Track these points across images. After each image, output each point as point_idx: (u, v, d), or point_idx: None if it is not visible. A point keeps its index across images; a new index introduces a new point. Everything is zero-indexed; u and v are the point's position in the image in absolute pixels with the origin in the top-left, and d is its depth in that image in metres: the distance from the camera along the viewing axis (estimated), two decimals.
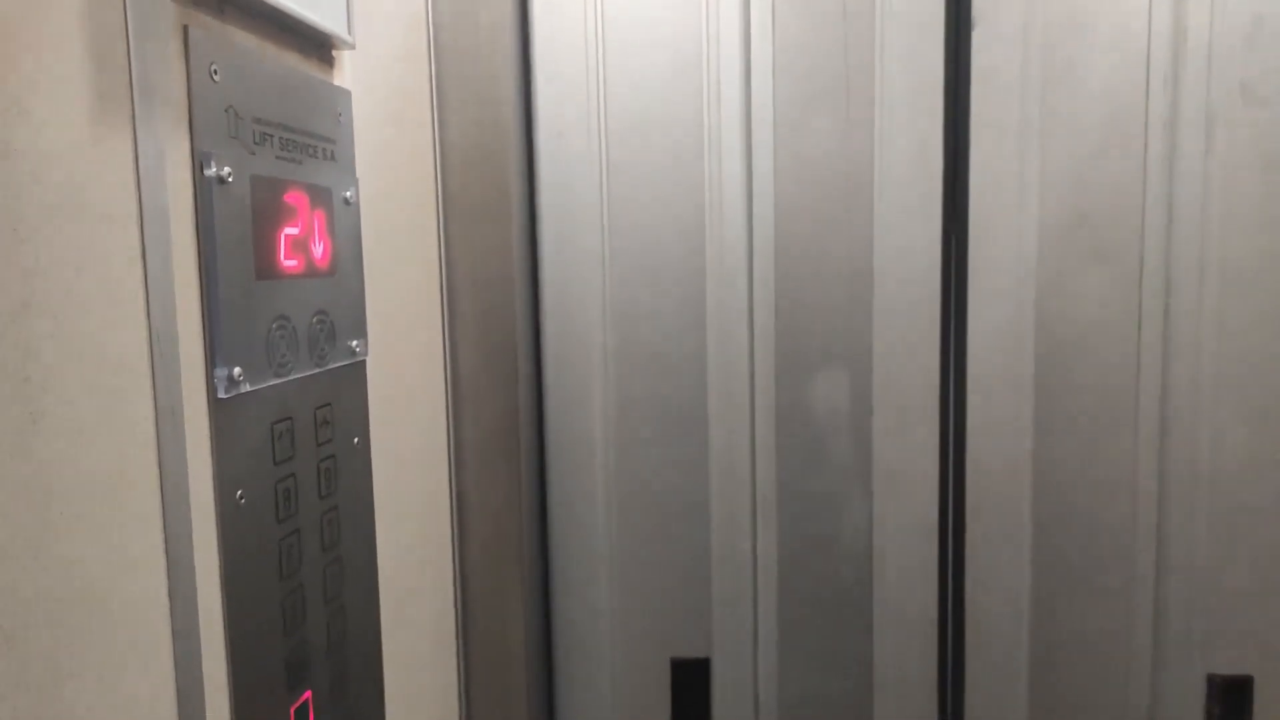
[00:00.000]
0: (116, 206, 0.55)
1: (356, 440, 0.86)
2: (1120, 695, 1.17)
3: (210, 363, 0.65)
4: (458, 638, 1.13)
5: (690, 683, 1.22)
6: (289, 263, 0.74)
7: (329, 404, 0.81)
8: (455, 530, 1.12)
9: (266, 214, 0.70)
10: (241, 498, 0.68)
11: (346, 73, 0.86)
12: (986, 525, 1.16)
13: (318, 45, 0.80)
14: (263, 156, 0.71)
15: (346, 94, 0.85)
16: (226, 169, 0.65)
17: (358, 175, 0.86)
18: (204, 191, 0.63)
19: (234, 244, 0.66)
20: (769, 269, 1.16)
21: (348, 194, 0.84)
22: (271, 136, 0.72)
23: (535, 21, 1.15)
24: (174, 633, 0.61)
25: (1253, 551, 1.13)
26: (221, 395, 0.65)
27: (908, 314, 1.14)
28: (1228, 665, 1.16)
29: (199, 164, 0.63)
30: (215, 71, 0.65)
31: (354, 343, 0.85)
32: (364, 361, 0.88)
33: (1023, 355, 1.13)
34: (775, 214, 1.15)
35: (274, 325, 0.72)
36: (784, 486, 1.19)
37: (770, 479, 1.19)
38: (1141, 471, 1.13)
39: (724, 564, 1.21)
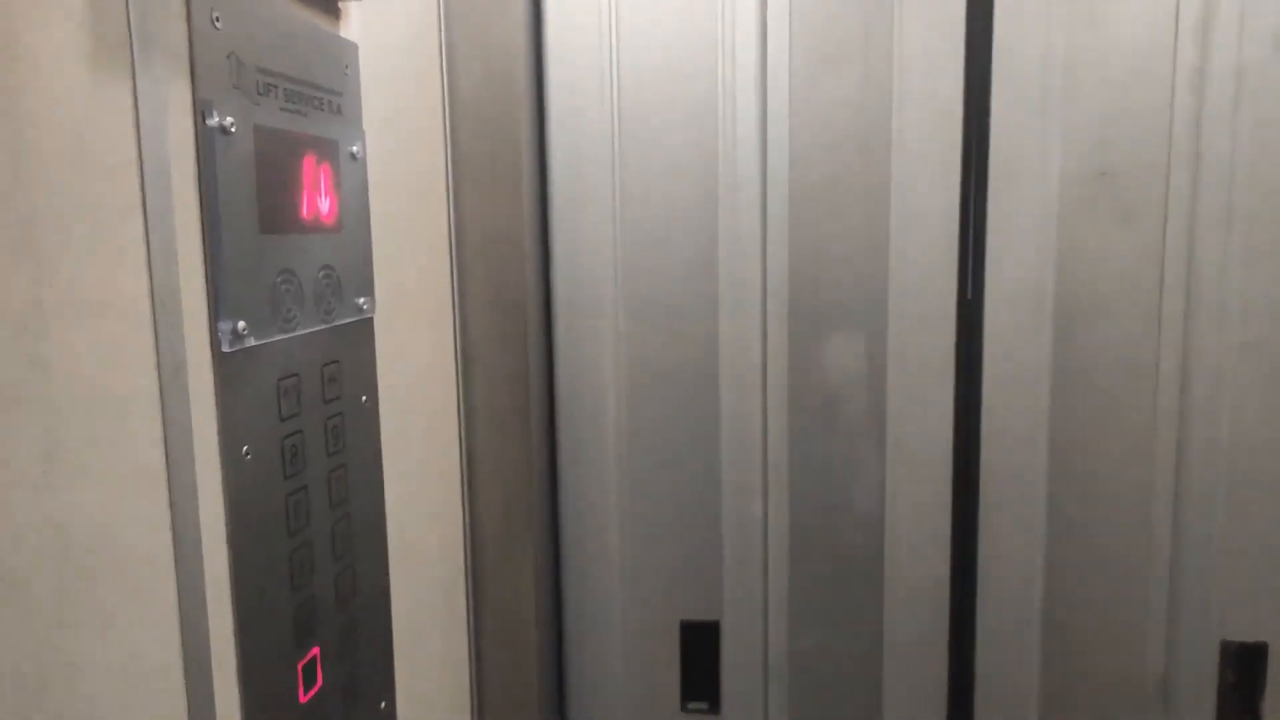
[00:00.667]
0: (116, 154, 0.54)
1: (364, 399, 0.86)
2: (1135, 662, 1.16)
3: (214, 316, 0.64)
4: (468, 599, 1.13)
5: (700, 645, 1.22)
6: (294, 216, 0.73)
7: (336, 361, 0.80)
8: (465, 492, 1.11)
9: (270, 166, 0.69)
10: (248, 453, 0.67)
11: (354, 24, 0.84)
12: (1000, 492, 1.15)
13: None
14: (266, 107, 0.69)
15: (353, 46, 0.83)
16: (229, 118, 0.64)
17: (365, 130, 0.84)
18: (206, 141, 0.62)
19: (237, 195, 0.65)
20: (783, 231, 1.14)
21: (354, 149, 0.82)
22: (275, 87, 0.71)
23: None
24: (179, 587, 0.61)
25: (1269, 520, 1.11)
26: (226, 349, 0.65)
27: (924, 277, 1.12)
28: (1242, 632, 1.14)
29: (200, 113, 0.62)
30: (217, 19, 0.63)
31: (361, 300, 0.84)
32: (371, 319, 0.87)
33: (1041, 319, 1.11)
34: (790, 175, 1.13)
35: (279, 279, 0.71)
36: (796, 451, 1.18)
37: (782, 444, 1.18)
38: (1160, 438, 1.11)
39: (735, 528, 1.20)
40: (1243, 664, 1.15)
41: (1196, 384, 1.10)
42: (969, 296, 1.13)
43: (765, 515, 1.19)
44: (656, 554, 1.22)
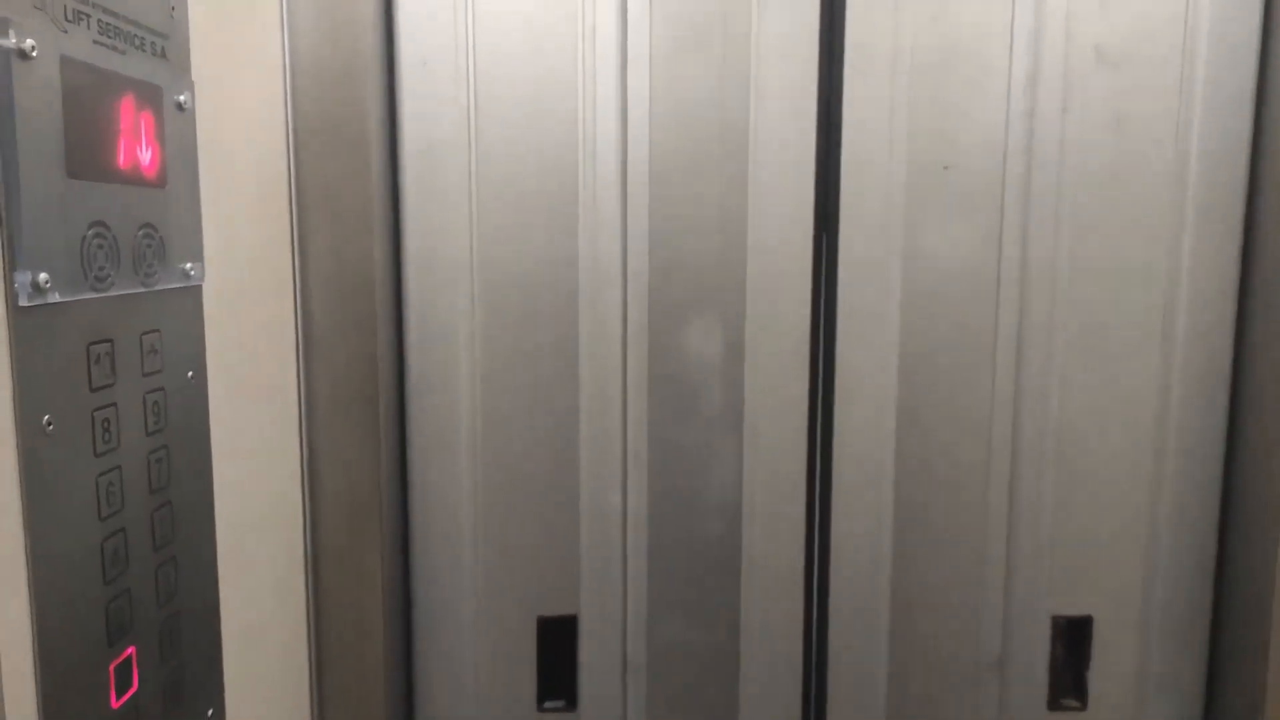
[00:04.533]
0: None
1: (191, 374, 0.78)
2: (973, 640, 1.21)
3: (9, 265, 0.56)
4: (308, 600, 1.05)
5: (557, 641, 1.19)
6: (108, 165, 0.66)
7: (157, 330, 0.73)
8: (305, 483, 1.04)
9: (80, 103, 0.62)
10: (49, 423, 0.60)
11: None
12: (851, 477, 1.17)
13: None
14: (76, 38, 0.62)
15: None
16: (29, 41, 0.56)
17: (194, 79, 0.77)
18: (1, 64, 0.54)
19: (39, 130, 0.58)
20: (643, 215, 1.13)
21: (181, 98, 0.75)
22: (88, 16, 0.63)
23: None
24: None
25: (1094, 497, 1.19)
26: (23, 303, 0.57)
27: (780, 262, 1.14)
28: (1070, 606, 1.21)
29: None
30: None
31: (188, 265, 0.77)
32: (199, 288, 0.79)
33: (889, 306, 1.14)
34: (650, 159, 1.12)
35: (90, 231, 0.63)
36: (655, 439, 1.17)
37: (641, 431, 1.17)
38: (996, 419, 1.16)
39: (593, 518, 1.17)
40: (1070, 637, 1.22)
41: (1028, 369, 1.16)
42: (824, 283, 1.15)
43: (624, 505, 1.18)
44: (512, 547, 1.17)
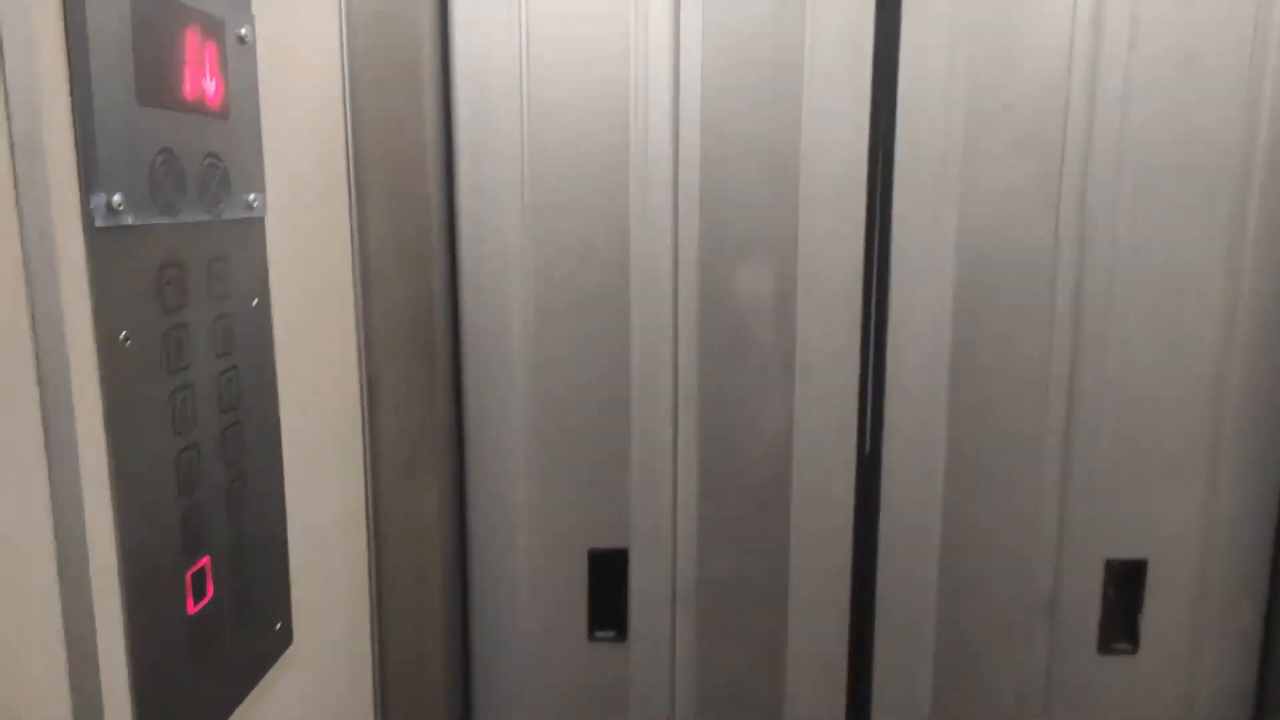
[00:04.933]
0: None
1: (255, 302, 0.81)
2: (1025, 582, 1.21)
3: (85, 186, 0.59)
4: (368, 522, 1.09)
5: (608, 573, 1.21)
6: (175, 93, 0.68)
7: (224, 259, 0.76)
8: (365, 415, 1.07)
9: (148, 32, 0.64)
10: (126, 339, 0.63)
11: None
12: (903, 416, 1.17)
13: None
14: None
15: None
16: None
17: (253, 13, 0.79)
18: None
19: (109, 54, 0.60)
20: (695, 152, 1.12)
21: (242, 31, 0.77)
22: None
23: None
24: (51, 478, 0.56)
25: (1152, 440, 1.17)
26: (100, 223, 0.60)
27: (834, 200, 1.13)
28: (1124, 550, 1.20)
29: None
30: None
31: (251, 197, 0.79)
32: (262, 220, 0.82)
33: (945, 247, 1.13)
34: (702, 95, 1.11)
35: (158, 157, 0.66)
36: (706, 376, 1.18)
37: (692, 368, 1.18)
38: (1054, 360, 1.15)
39: (644, 454, 1.19)
40: (1124, 581, 1.21)
41: (1087, 311, 1.14)
42: (878, 220, 1.14)
43: (675, 442, 1.19)
44: (565, 482, 1.20)
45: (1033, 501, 1.19)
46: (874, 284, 1.16)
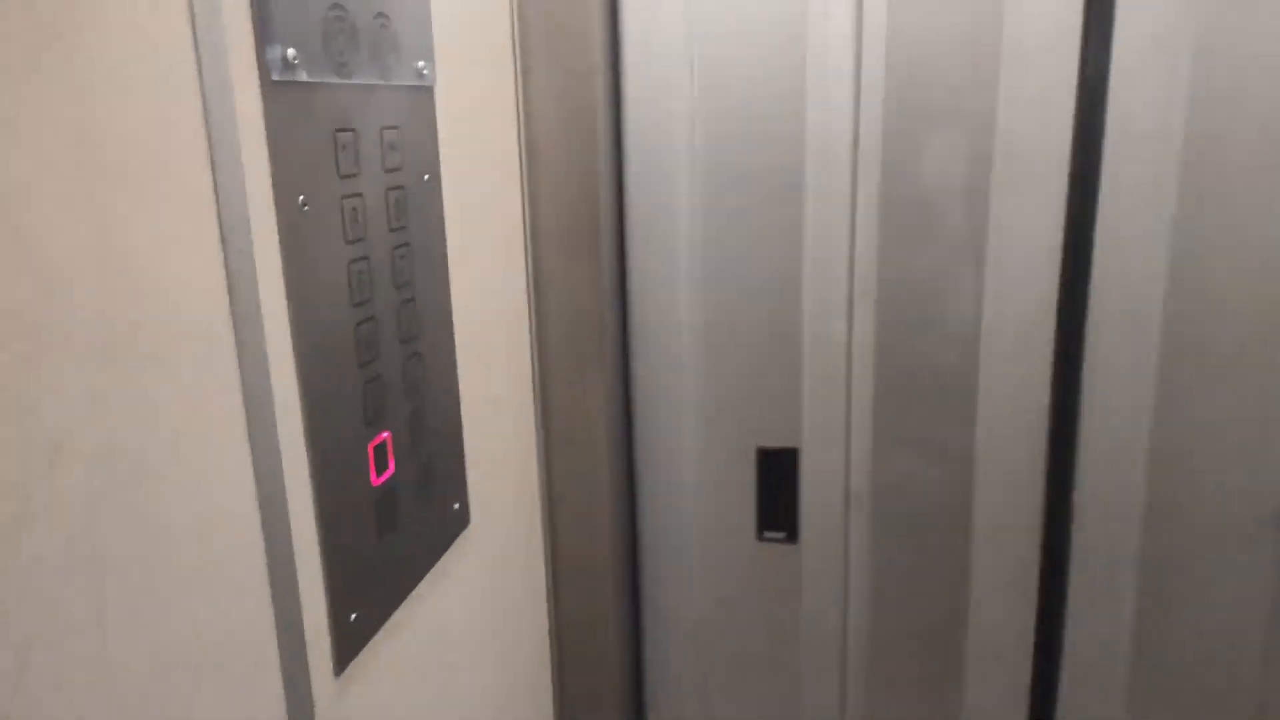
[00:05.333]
0: None
1: (427, 177, 0.78)
2: (1250, 489, 1.08)
3: (260, 38, 0.56)
4: (536, 410, 1.08)
5: (778, 472, 1.17)
6: None
7: (396, 127, 0.73)
8: (531, 303, 1.05)
9: None
10: (304, 204, 0.61)
11: None
12: (1111, 302, 1.05)
13: None
14: None
15: None
16: None
17: None
18: None
19: None
20: (881, 9, 1.02)
21: None
22: None
23: None
24: (237, 342, 0.55)
25: None
26: (276, 77, 0.57)
27: (1040, 64, 1.00)
28: None
29: None
30: None
31: (420, 64, 0.76)
32: (432, 89, 0.79)
33: (1172, 107, 0.99)
34: None
35: (331, 13, 0.63)
36: (885, 264, 1.09)
37: (870, 255, 1.09)
38: None
39: (816, 348, 1.12)
40: None
41: None
42: (1090, 86, 1.01)
43: (849, 335, 1.12)
44: (732, 377, 1.15)
45: (1266, 397, 1.04)
46: (1083, 155, 1.03)
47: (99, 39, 0.44)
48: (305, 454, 0.61)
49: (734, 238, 1.11)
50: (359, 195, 0.68)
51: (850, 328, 1.11)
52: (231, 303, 0.54)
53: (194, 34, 0.51)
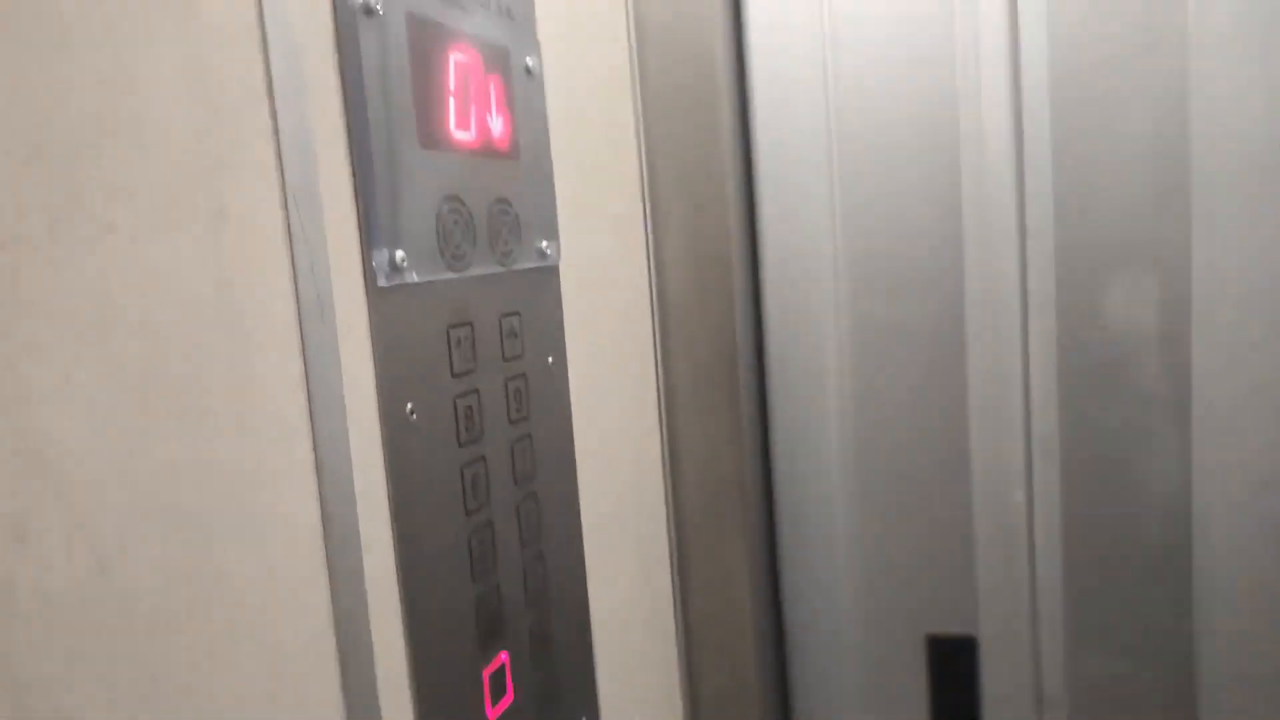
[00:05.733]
0: (230, 20, 0.43)
1: (551, 360, 0.73)
2: None
3: (366, 242, 0.52)
4: (674, 595, 0.98)
5: (952, 664, 1.01)
6: (461, 134, 0.61)
7: (516, 313, 0.68)
8: (668, 479, 0.97)
9: (428, 65, 0.57)
10: (412, 412, 0.55)
11: None
12: None
13: None
14: None
15: None
16: None
17: (539, 40, 0.72)
18: (346, 21, 0.50)
19: (389, 94, 0.53)
20: (1044, 147, 0.92)
21: (529, 61, 0.70)
22: None
23: None
24: (331, 572, 0.49)
25: None
26: (383, 284, 0.53)
27: (1242, 192, 0.87)
28: None
29: None
30: None
31: (544, 244, 0.71)
32: (556, 268, 0.74)
33: None
34: (1051, 64, 0.91)
35: (445, 206, 0.59)
36: (1068, 425, 0.95)
37: (1050, 416, 0.96)
38: None
39: (991, 522, 0.99)
40: None
41: None
42: None
43: (1030, 504, 0.97)
44: (893, 553, 1.02)
45: None
46: None
47: (189, 292, 0.41)
48: (410, 701, 0.54)
49: (889, 396, 1.00)
50: (475, 391, 0.62)
51: (1030, 495, 0.97)
52: (326, 535, 0.48)
53: (289, 242, 0.47)
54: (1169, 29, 0.87)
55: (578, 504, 0.76)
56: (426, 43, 0.57)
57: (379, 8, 0.52)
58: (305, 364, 0.47)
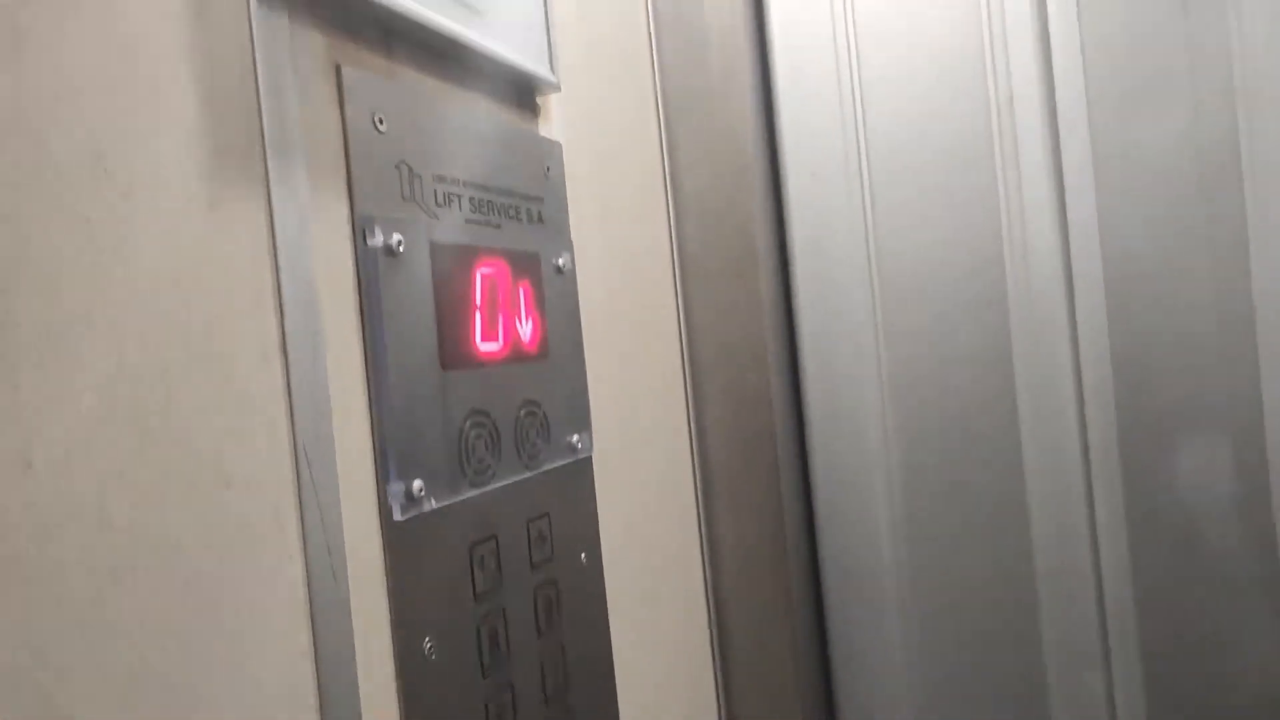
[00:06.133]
0: (243, 285, 0.44)
1: (584, 557, 0.70)
2: None
3: (382, 477, 0.51)
4: None
5: None
6: (487, 345, 0.61)
7: (545, 515, 0.66)
8: (718, 676, 0.92)
9: (453, 289, 0.57)
10: (431, 650, 0.53)
11: (555, 121, 0.73)
12: None
13: (515, 88, 0.68)
14: (447, 220, 0.58)
15: (555, 145, 0.72)
16: (397, 237, 0.52)
17: (572, 238, 0.72)
18: (368, 265, 0.51)
19: (410, 327, 0.53)
20: (1098, 305, 0.88)
21: (560, 260, 0.70)
22: (458, 197, 0.60)
23: (775, 59, 0.98)
24: None
25: None
26: (398, 517, 0.52)
27: None
28: None
29: (360, 231, 0.51)
30: (380, 121, 0.53)
31: (574, 438, 0.70)
32: (589, 459, 0.72)
33: None
34: (1100, 231, 0.88)
35: (468, 424, 0.58)
36: (1145, 603, 0.89)
37: (1125, 593, 0.89)
38: None
39: (1068, 709, 0.91)
40: None
41: None
42: None
43: (1110, 694, 0.90)
44: None
45: None
46: None
47: (192, 547, 0.40)
48: None
49: (947, 574, 0.95)
50: (500, 611, 0.60)
51: (1110, 684, 0.90)
52: None
53: (297, 479, 0.46)
54: (1221, 186, 0.84)
55: (618, 712, 0.72)
56: (451, 266, 0.57)
57: (400, 248, 0.52)
58: (314, 633, 0.45)
